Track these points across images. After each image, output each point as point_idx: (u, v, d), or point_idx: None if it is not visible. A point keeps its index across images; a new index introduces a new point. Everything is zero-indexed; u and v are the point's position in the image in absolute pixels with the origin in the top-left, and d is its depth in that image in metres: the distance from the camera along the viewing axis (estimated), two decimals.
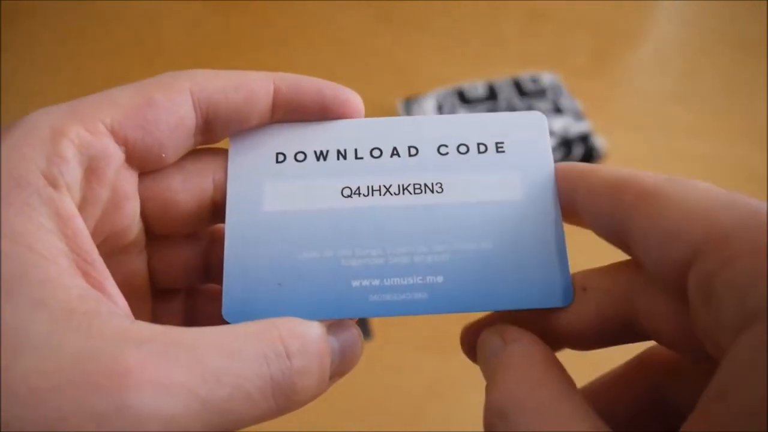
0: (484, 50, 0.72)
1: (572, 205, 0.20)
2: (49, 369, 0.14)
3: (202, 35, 0.73)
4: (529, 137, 0.22)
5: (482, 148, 0.21)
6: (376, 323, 0.51)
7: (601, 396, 0.21)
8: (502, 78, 0.66)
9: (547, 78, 0.65)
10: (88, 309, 0.15)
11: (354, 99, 0.22)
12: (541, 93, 0.64)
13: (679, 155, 0.63)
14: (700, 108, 0.67)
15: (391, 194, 0.21)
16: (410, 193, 0.21)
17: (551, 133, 0.61)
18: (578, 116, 0.62)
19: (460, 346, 0.22)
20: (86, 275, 0.17)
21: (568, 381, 0.17)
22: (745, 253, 0.14)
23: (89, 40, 0.72)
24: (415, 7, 0.76)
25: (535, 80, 0.65)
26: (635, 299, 0.18)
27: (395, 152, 0.22)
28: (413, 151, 0.22)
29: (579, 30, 0.74)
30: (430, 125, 0.22)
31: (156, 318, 0.22)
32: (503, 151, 0.21)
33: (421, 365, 0.50)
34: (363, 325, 0.51)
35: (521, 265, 0.20)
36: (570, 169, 0.20)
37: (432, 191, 0.21)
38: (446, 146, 0.22)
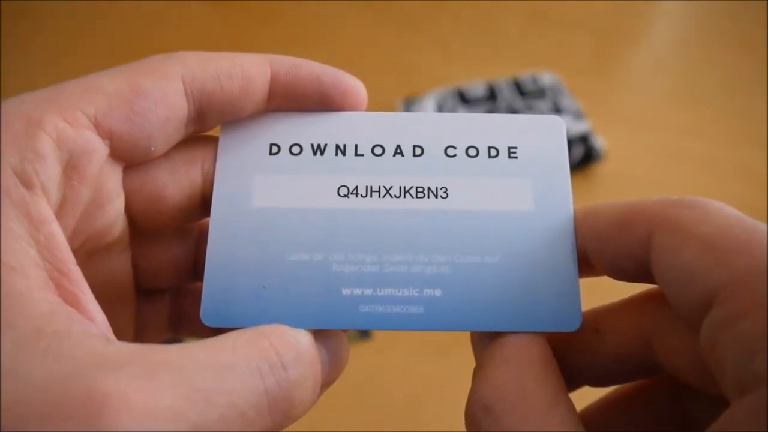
0: (484, 50, 0.72)
1: (581, 255, 0.18)
2: (13, 401, 0.12)
3: (202, 35, 0.73)
4: (544, 143, 0.20)
5: (493, 152, 0.20)
6: None
7: (619, 406, 0.20)
8: (502, 78, 0.66)
9: (547, 78, 0.65)
10: (58, 329, 0.14)
11: (355, 88, 0.20)
12: (541, 93, 0.64)
13: (679, 155, 0.63)
14: (700, 108, 0.67)
15: (392, 197, 0.19)
16: (412, 197, 0.19)
17: None
18: (578, 116, 0.62)
19: (459, 346, 0.21)
20: (59, 287, 0.15)
21: (562, 387, 0.16)
22: (757, 307, 0.13)
23: (89, 40, 0.72)
24: (415, 7, 0.76)
25: (535, 80, 0.65)
26: (653, 337, 0.17)
27: (399, 151, 0.20)
28: (418, 150, 0.20)
29: (579, 30, 0.74)
30: (438, 124, 0.20)
31: (140, 319, 0.21)
32: (516, 157, 0.20)
33: (421, 365, 0.50)
34: None
35: (528, 283, 0.18)
36: None
37: (436, 196, 0.19)
38: (454, 148, 0.20)
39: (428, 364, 0.50)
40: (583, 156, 0.60)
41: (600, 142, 0.61)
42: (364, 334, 0.51)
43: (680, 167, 0.62)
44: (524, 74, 0.66)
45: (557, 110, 0.63)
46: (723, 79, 0.70)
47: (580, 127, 0.61)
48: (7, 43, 0.69)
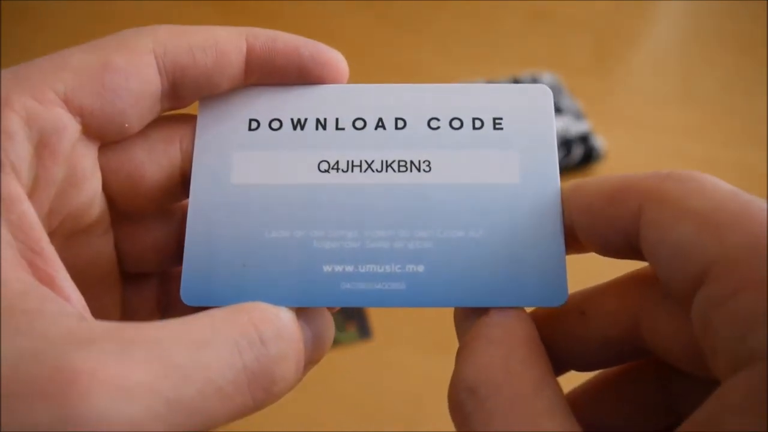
0: (484, 50, 0.72)
1: (568, 230, 0.18)
2: None
3: None
4: (531, 114, 0.20)
5: (478, 123, 0.19)
6: (375, 323, 0.51)
7: (605, 389, 0.19)
8: (502, 78, 0.66)
9: (547, 78, 0.65)
10: (30, 307, 0.13)
11: (335, 60, 0.19)
12: None
13: (678, 155, 0.63)
14: (700, 108, 0.67)
15: (373, 171, 0.19)
16: (394, 171, 0.19)
17: None
18: (578, 116, 0.62)
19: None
20: (33, 267, 0.15)
21: (548, 369, 0.16)
22: (752, 284, 0.13)
23: (89, 40, 0.72)
24: (415, 7, 0.76)
25: (535, 80, 0.65)
26: (641, 319, 0.17)
27: (380, 124, 0.19)
28: (400, 123, 0.19)
29: (579, 30, 0.74)
30: (421, 94, 0.20)
31: (127, 306, 0.21)
32: (501, 128, 0.19)
33: (421, 364, 0.50)
34: (362, 324, 0.51)
35: (513, 257, 0.18)
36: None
37: (418, 169, 0.19)
38: (438, 119, 0.19)
39: (428, 363, 0.50)
40: (583, 156, 0.60)
41: (600, 142, 0.61)
42: (364, 334, 0.51)
43: (680, 167, 0.61)
44: (524, 74, 0.66)
45: (557, 110, 0.63)
46: (723, 79, 0.70)
47: (580, 127, 0.61)
48: (7, 43, 0.69)
